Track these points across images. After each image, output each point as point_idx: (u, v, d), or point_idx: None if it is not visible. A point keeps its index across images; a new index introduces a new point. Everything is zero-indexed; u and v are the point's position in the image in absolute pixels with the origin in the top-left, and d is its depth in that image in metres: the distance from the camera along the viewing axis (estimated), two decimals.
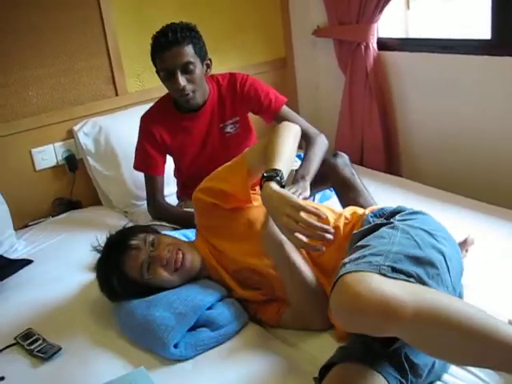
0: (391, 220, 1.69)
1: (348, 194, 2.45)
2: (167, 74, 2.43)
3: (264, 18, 3.69)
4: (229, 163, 1.98)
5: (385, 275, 1.32)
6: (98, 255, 2.02)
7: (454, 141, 3.14)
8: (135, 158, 2.69)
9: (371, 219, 1.76)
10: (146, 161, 2.64)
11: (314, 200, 2.77)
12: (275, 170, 1.68)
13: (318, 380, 1.54)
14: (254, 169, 1.85)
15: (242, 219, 1.94)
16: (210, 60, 2.54)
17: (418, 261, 1.44)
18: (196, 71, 2.43)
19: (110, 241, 2.00)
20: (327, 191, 2.76)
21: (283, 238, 1.67)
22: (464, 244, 2.09)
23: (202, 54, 2.47)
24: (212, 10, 3.46)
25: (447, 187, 2.87)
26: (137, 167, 2.70)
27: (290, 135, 1.86)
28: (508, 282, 1.97)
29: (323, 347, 1.75)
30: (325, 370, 1.52)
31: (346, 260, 1.43)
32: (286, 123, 1.94)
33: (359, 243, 1.57)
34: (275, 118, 2.63)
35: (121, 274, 1.91)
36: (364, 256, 1.39)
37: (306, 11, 3.69)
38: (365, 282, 1.29)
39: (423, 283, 1.38)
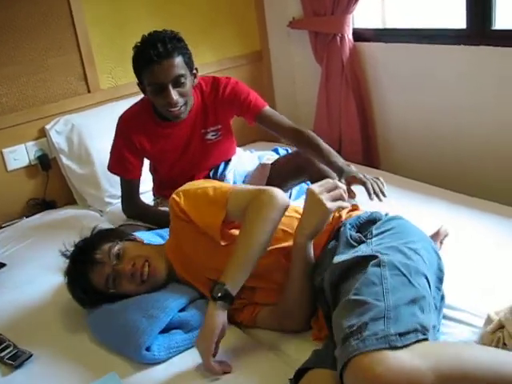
0: (368, 236, 1.68)
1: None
2: (157, 89, 2.30)
3: (238, 10, 3.64)
4: (210, 196, 1.86)
5: (396, 347, 1.29)
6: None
7: (431, 132, 3.13)
8: (110, 159, 2.59)
9: (348, 231, 1.73)
10: (123, 165, 2.55)
11: (290, 196, 2.74)
12: (223, 285, 1.66)
13: (293, 382, 1.52)
14: (231, 218, 1.82)
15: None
16: (196, 69, 2.42)
17: (413, 302, 1.42)
18: (187, 83, 2.33)
19: (75, 252, 1.96)
20: (303, 185, 2.72)
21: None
22: (437, 236, 2.07)
23: (190, 64, 2.36)
24: (186, 2, 3.41)
25: (424, 179, 2.86)
26: (112, 170, 2.61)
27: (267, 219, 1.73)
28: (486, 274, 1.96)
29: (300, 348, 1.74)
30: (299, 373, 1.51)
31: (345, 327, 1.37)
32: (266, 198, 1.75)
33: (349, 289, 1.50)
34: (256, 119, 2.54)
35: (87, 286, 1.89)
36: (366, 325, 1.34)
37: (281, 3, 3.65)
38: (381, 363, 1.25)
39: (425, 328, 1.37)
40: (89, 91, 3.17)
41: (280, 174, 2.60)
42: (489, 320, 1.64)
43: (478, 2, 2.70)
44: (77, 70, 3.12)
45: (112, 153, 2.58)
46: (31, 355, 1.83)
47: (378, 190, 2.04)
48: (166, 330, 1.81)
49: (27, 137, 3.04)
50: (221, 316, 1.64)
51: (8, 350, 1.86)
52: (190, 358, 1.75)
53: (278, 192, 1.76)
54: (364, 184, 2.06)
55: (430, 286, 1.54)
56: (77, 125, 3.05)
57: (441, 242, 2.08)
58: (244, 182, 2.70)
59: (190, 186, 1.96)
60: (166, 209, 2.39)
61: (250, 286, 1.83)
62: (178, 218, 1.90)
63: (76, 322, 1.99)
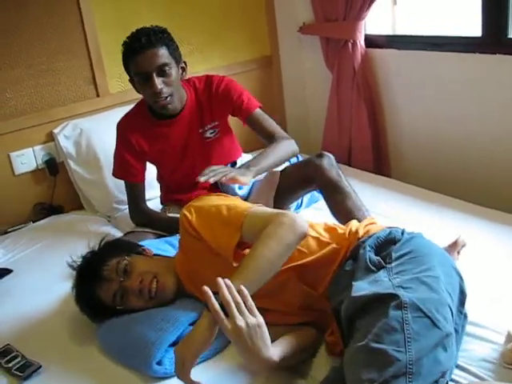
0: (388, 261, 1.63)
1: (335, 197, 2.38)
2: (142, 78, 2.36)
3: (249, 15, 3.63)
4: (224, 216, 1.79)
5: None
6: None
7: (442, 140, 3.11)
8: (114, 165, 2.62)
9: (367, 254, 1.67)
10: (125, 168, 2.57)
11: (302, 204, 2.72)
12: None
13: None
14: (246, 239, 1.75)
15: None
16: (184, 63, 2.49)
17: (437, 345, 1.40)
18: (172, 73, 2.37)
19: (82, 266, 1.93)
20: (315, 193, 2.70)
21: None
22: (454, 246, 2.06)
23: (176, 56, 2.41)
24: (196, 7, 3.40)
25: (436, 188, 2.84)
26: (116, 175, 2.63)
27: (282, 240, 1.66)
28: (503, 288, 1.93)
29: (316, 364, 1.71)
30: None
31: (364, 378, 1.33)
32: (287, 220, 1.68)
33: (367, 328, 1.45)
34: (247, 120, 2.56)
35: (94, 302, 1.87)
36: (387, 382, 1.31)
37: (292, 8, 3.64)
38: None
39: (445, 371, 1.37)
40: (98, 95, 3.17)
41: (289, 183, 2.56)
42: (509, 337, 1.62)
43: (494, 11, 2.68)
44: (86, 73, 3.11)
45: (114, 158, 2.61)
46: (40, 366, 1.81)
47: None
48: (176, 343, 1.77)
49: (35, 141, 3.03)
50: (212, 328, 1.53)
51: (16, 361, 1.84)
52: (201, 372, 1.71)
53: (299, 217, 1.70)
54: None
55: (452, 313, 1.52)
56: (85, 129, 3.04)
57: (458, 252, 2.05)
58: (252, 188, 2.66)
59: (203, 202, 1.91)
60: (174, 215, 2.37)
61: (259, 306, 1.79)
62: (189, 234, 1.86)
63: (85, 333, 1.97)
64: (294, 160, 2.93)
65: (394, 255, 1.64)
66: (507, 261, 2.10)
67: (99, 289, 1.85)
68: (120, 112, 2.89)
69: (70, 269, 1.96)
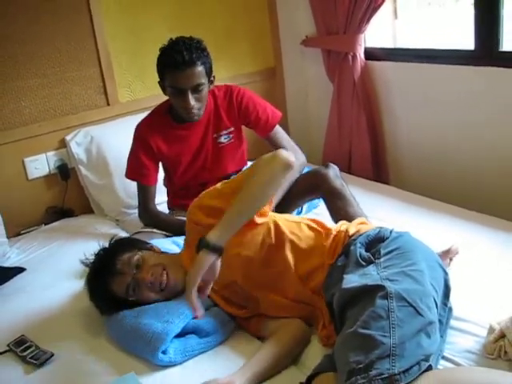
0: (377, 256, 1.75)
1: (337, 203, 2.47)
2: (176, 92, 2.44)
3: (253, 27, 3.74)
4: (231, 183, 1.95)
5: None
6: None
7: (439, 149, 3.20)
8: (128, 166, 2.68)
9: (358, 250, 1.80)
10: (140, 170, 2.64)
11: (301, 210, 2.80)
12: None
13: None
14: None
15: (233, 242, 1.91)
16: (213, 76, 2.55)
17: (420, 331, 1.50)
18: (205, 90, 2.46)
19: (96, 262, 2.02)
20: (315, 201, 2.80)
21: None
22: (447, 253, 2.13)
23: (210, 73, 2.49)
24: (203, 19, 3.50)
25: (434, 195, 2.90)
26: (130, 176, 2.69)
27: (267, 175, 1.82)
28: (494, 290, 2.01)
29: (310, 353, 1.81)
30: (311, 377, 1.59)
31: (351, 361, 1.44)
32: (269, 157, 1.84)
33: (356, 317, 1.55)
34: (267, 136, 2.70)
35: (107, 295, 1.96)
36: (372, 363, 1.41)
37: (295, 21, 3.75)
38: None
39: (429, 355, 1.45)
40: (108, 104, 3.26)
41: (296, 190, 2.63)
42: (491, 329, 1.71)
43: (486, 24, 2.78)
44: (97, 83, 3.21)
45: (129, 159, 2.67)
46: (52, 355, 1.92)
47: None
48: (181, 334, 1.88)
49: (48, 147, 3.13)
50: (209, 258, 1.68)
51: (30, 350, 1.95)
52: (204, 362, 1.83)
53: (282, 152, 1.83)
54: None
55: (437, 304, 1.62)
56: (96, 137, 3.14)
57: (450, 259, 2.14)
58: None
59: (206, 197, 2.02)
60: (182, 218, 2.47)
61: (255, 296, 1.91)
62: (196, 229, 1.95)
63: (94, 326, 2.07)
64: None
65: (382, 251, 1.76)
66: (496, 263, 2.19)
67: (113, 282, 1.94)
68: (129, 120, 3.00)
69: (83, 265, 2.07)
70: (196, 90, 2.43)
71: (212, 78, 2.54)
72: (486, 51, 2.82)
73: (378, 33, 3.46)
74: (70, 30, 3.08)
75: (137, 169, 2.65)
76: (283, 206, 2.58)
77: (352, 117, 3.47)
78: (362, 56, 3.37)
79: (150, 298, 1.97)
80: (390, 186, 3.25)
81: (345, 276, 1.70)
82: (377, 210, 2.71)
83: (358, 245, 1.82)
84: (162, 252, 2.14)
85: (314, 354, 1.78)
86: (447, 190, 3.09)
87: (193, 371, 1.80)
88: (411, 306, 1.54)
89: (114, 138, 3.11)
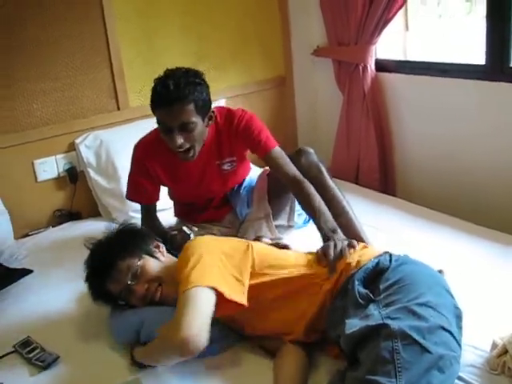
0: (376, 293, 1.68)
1: (320, 196, 2.36)
2: (164, 129, 2.29)
3: (265, 37, 3.75)
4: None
5: None
6: None
7: (448, 162, 3.20)
8: (128, 188, 2.64)
9: (356, 288, 1.72)
10: (139, 192, 2.60)
11: (308, 219, 2.76)
12: None
13: None
14: None
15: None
16: (213, 112, 2.39)
17: (430, 369, 1.48)
18: (196, 129, 2.29)
19: (96, 259, 2.03)
20: None
21: None
22: None
23: (204, 110, 2.31)
24: (215, 28, 3.52)
25: (441, 208, 2.89)
26: (130, 197, 2.66)
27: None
28: (499, 305, 2.02)
29: (317, 369, 1.80)
30: None
31: None
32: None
33: (363, 360, 1.54)
34: (264, 158, 2.51)
35: (104, 293, 2.00)
36: None
37: (307, 31, 3.76)
38: None
39: None
40: (118, 108, 3.28)
41: (277, 185, 2.59)
42: (494, 345, 1.71)
43: (497, 40, 2.79)
44: (108, 87, 3.23)
45: (129, 181, 2.63)
46: (58, 357, 1.93)
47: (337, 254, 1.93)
48: None
49: (57, 150, 3.15)
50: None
51: (35, 352, 1.96)
52: (204, 369, 1.84)
53: (195, 337, 1.60)
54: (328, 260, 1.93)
55: (451, 332, 1.58)
56: (105, 141, 3.16)
57: None
58: (249, 200, 2.72)
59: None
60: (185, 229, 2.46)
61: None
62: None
63: (100, 328, 2.08)
64: None
65: (381, 287, 1.69)
66: (501, 278, 2.18)
67: (108, 284, 1.96)
68: (139, 125, 3.01)
69: (86, 248, 2.09)
70: (185, 128, 2.26)
71: (211, 114, 2.37)
72: (496, 66, 2.83)
73: (388, 44, 3.47)
74: (84, 34, 3.10)
75: (137, 191, 2.61)
76: (273, 204, 2.61)
77: (361, 128, 3.47)
78: (373, 67, 3.38)
79: (137, 305, 1.98)
80: (396, 198, 3.24)
81: (346, 321, 1.65)
82: (383, 222, 2.72)
83: (356, 282, 1.74)
84: (165, 257, 2.10)
85: (317, 368, 1.79)
86: (455, 204, 3.08)
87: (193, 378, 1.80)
88: (417, 343, 1.50)
89: (124, 143, 3.09)
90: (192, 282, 1.69)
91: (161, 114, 2.27)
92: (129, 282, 1.94)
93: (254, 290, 1.80)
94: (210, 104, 2.37)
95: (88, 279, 2.03)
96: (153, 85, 2.28)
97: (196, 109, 2.25)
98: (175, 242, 2.35)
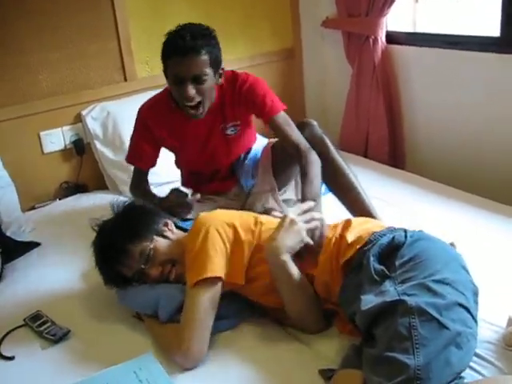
0: (392, 269, 1.65)
1: (325, 171, 2.37)
2: (176, 80, 2.26)
3: (273, 7, 3.70)
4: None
5: None
6: None
7: (458, 136, 3.17)
8: (128, 150, 2.61)
9: (372, 264, 1.69)
10: (139, 155, 2.57)
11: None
12: None
13: (324, 372, 1.61)
14: None
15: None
16: (222, 69, 2.37)
17: (448, 345, 1.45)
18: (207, 82, 2.27)
19: (106, 245, 1.97)
20: None
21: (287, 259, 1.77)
22: None
23: (216, 64, 2.30)
24: None
25: (450, 182, 2.89)
26: (129, 160, 2.62)
27: None
28: (501, 273, 2.02)
29: (330, 343, 1.80)
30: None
31: None
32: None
33: (381, 339, 1.51)
34: (268, 123, 2.47)
35: (115, 275, 1.98)
36: None
37: (316, 2, 3.71)
38: None
39: (461, 371, 1.45)
40: (125, 80, 3.25)
41: (282, 157, 2.56)
42: (510, 321, 1.70)
43: None
44: (115, 58, 3.20)
45: (130, 143, 2.60)
46: (69, 331, 1.92)
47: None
48: None
49: (64, 121, 3.13)
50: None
51: (46, 326, 1.96)
52: (223, 344, 1.82)
53: (197, 351, 1.74)
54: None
55: (468, 308, 1.55)
56: (112, 112, 3.13)
57: None
58: (253, 174, 2.69)
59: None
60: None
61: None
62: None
63: (111, 302, 2.06)
64: None
65: (397, 263, 1.66)
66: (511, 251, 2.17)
67: (121, 268, 1.94)
68: (146, 96, 2.95)
69: (92, 229, 2.06)
70: (198, 80, 2.24)
71: (221, 71, 2.36)
72: (511, 38, 2.77)
73: (398, 16, 3.41)
74: (91, 4, 3.06)
75: (137, 154, 2.58)
76: (278, 177, 2.57)
77: (370, 100, 3.44)
78: (384, 39, 3.33)
79: (152, 283, 1.97)
80: (405, 172, 3.23)
81: (362, 297, 1.62)
82: (392, 196, 2.71)
83: (371, 258, 1.70)
84: (176, 227, 2.08)
85: (333, 343, 1.78)
86: (464, 177, 3.07)
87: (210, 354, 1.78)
88: (434, 319, 1.47)
89: (131, 114, 3.00)
90: (197, 275, 1.77)
91: (174, 65, 2.24)
92: (142, 267, 1.92)
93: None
94: (221, 60, 2.35)
95: (98, 265, 2.00)
96: (165, 37, 2.26)
97: (210, 61, 2.25)
98: (166, 202, 2.31)
